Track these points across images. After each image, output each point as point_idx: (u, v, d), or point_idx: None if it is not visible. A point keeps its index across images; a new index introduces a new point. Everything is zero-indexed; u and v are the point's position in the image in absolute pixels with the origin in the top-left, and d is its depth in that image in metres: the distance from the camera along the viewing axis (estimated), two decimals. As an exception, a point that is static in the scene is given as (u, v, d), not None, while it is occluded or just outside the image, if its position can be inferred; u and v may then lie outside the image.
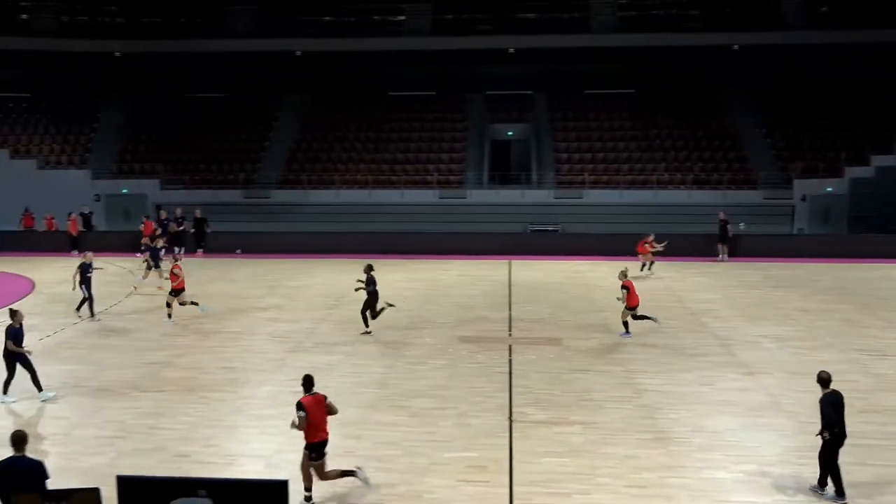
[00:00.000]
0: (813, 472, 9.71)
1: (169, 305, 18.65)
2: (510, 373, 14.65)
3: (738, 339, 16.97)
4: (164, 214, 29.59)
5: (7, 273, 25.58)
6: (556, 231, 30.83)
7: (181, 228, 29.25)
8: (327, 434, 9.50)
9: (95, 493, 6.91)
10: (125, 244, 28.51)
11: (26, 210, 31.61)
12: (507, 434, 11.65)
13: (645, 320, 17.27)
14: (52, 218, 30.59)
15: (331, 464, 9.67)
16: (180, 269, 18.81)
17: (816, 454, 9.55)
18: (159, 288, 21.84)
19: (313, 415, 9.22)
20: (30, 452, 7.88)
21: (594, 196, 32.95)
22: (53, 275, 24.66)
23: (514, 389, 13.69)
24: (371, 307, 17.39)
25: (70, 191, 33.24)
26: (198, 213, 29.46)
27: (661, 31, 35.26)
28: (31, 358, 13.30)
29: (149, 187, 34.57)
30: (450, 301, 21.03)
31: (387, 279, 24.01)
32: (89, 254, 19.39)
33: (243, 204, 33.75)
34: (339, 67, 38.41)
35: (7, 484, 7.31)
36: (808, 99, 36.02)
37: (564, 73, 37.79)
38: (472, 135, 37.13)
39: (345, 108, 38.25)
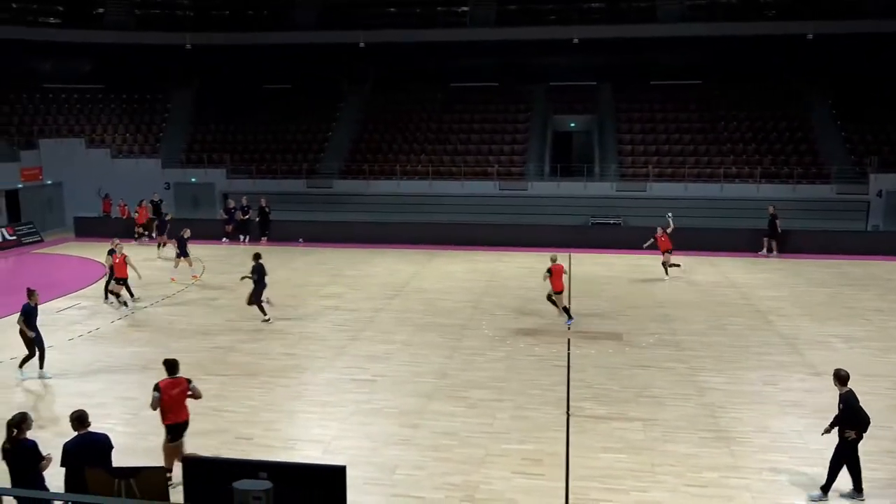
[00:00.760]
0: (879, 476, 9.36)
1: (116, 294, 19.09)
2: (568, 367, 14.53)
3: (806, 338, 16.44)
4: (231, 203, 30.35)
5: (81, 257, 26.63)
6: (618, 224, 30.40)
7: (247, 217, 29.91)
8: (186, 417, 9.78)
9: (161, 471, 7.15)
10: (195, 232, 29.21)
11: (106, 195, 32.77)
12: (564, 428, 11.57)
13: (563, 312, 17.49)
14: (125, 205, 31.65)
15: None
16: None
17: (883, 458, 9.21)
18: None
19: (169, 397, 9.57)
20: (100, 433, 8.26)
21: (658, 189, 32.32)
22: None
23: (571, 383, 13.58)
24: (255, 296, 17.54)
25: (141, 179, 34.37)
26: (263, 202, 30.07)
27: (730, 20, 34.24)
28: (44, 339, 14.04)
29: (216, 176, 35.44)
30: (509, 293, 20.95)
31: (446, 270, 24.18)
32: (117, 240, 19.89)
33: (306, 193, 34.25)
34: (402, 59, 38.59)
35: (79, 459, 7.71)
36: (886, 90, 34.49)
37: (629, 63, 37.10)
38: (534, 126, 36.84)
39: (407, 99, 38.44)
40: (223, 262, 25.68)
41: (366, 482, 9.74)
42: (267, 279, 17.82)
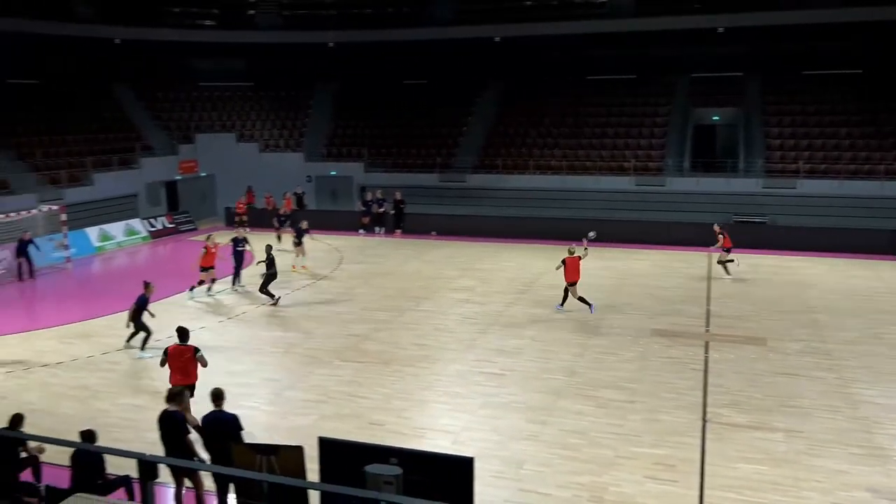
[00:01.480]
0: None
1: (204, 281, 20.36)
2: (706, 371, 13.94)
3: (979, 351, 14.94)
4: (369, 196, 31.40)
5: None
6: (764, 223, 28.78)
7: (382, 210, 30.76)
8: (193, 380, 10.98)
9: (300, 450, 7.47)
10: (333, 223, 30.54)
11: (249, 188, 34.72)
12: (700, 434, 11.11)
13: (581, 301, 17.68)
14: (271, 196, 33.37)
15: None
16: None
17: None
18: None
19: (174, 360, 10.95)
20: (246, 410, 8.76)
21: (809, 186, 30.27)
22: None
23: (709, 388, 13.02)
24: (265, 285, 19.00)
25: (286, 172, 36.14)
26: (398, 196, 30.81)
27: (893, 3, 31.49)
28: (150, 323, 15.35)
29: (354, 170, 36.65)
30: (643, 291, 20.35)
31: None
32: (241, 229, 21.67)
33: (439, 187, 34.73)
34: (538, 52, 38.28)
35: (211, 433, 8.53)
36: None
37: (779, 52, 34.97)
38: (674, 119, 35.51)
39: (542, 92, 38.09)
40: (359, 251, 26.54)
41: (492, 475, 9.77)
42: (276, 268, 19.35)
